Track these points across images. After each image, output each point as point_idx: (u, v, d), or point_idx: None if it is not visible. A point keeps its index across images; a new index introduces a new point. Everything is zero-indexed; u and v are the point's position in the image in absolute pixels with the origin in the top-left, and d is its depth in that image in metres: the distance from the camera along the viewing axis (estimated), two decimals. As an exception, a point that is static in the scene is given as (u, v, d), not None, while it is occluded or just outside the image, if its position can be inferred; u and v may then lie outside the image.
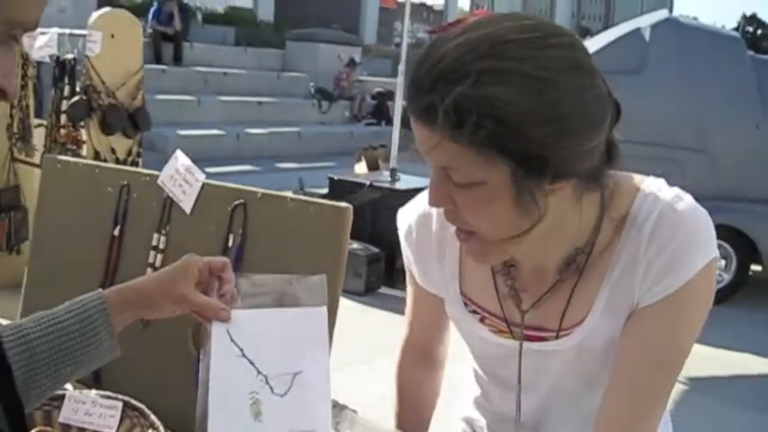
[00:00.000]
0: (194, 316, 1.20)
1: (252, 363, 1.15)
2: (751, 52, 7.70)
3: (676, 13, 9.06)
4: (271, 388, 1.15)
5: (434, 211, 1.40)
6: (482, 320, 1.39)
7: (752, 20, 48.93)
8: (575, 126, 1.07)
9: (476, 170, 1.08)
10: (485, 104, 1.02)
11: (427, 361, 1.64)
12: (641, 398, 1.23)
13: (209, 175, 1.69)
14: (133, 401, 1.51)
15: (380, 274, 6.68)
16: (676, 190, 1.25)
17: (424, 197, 1.39)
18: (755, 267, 7.20)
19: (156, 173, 1.72)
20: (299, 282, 1.21)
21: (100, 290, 1.19)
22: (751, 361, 5.69)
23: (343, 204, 1.47)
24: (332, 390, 1.17)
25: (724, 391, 5.20)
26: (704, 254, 1.20)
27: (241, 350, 1.16)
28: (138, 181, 1.76)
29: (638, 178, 1.28)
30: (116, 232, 1.77)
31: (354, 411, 1.62)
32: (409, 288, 1.57)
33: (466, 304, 1.42)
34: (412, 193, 6.07)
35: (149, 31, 15.08)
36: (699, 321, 1.24)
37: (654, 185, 1.26)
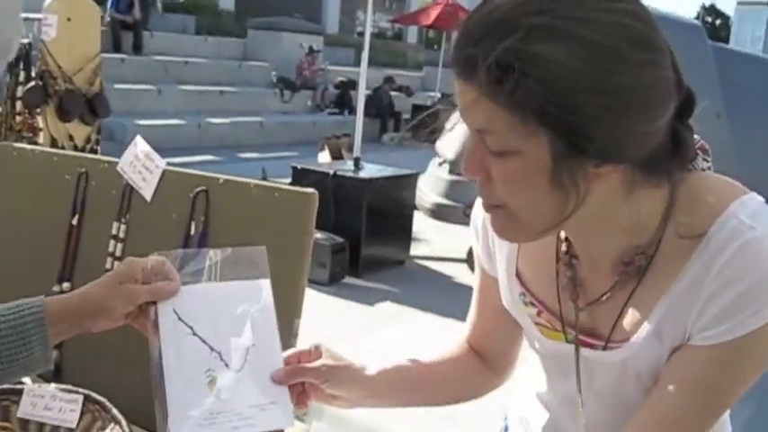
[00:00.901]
0: (135, 322, 1.18)
1: (203, 340, 1.14)
2: (711, 42, 7.77)
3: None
4: (226, 363, 1.13)
5: None
6: (539, 314, 1.27)
7: (710, 10, 49.53)
8: (631, 104, 0.97)
9: (512, 136, 0.98)
10: (530, 62, 0.93)
11: (480, 359, 1.47)
12: None
13: (171, 166, 1.65)
14: (94, 395, 1.48)
15: (345, 264, 6.65)
16: None
17: None
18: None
19: (115, 160, 1.68)
20: (240, 254, 1.20)
21: (42, 297, 1.16)
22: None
23: (309, 190, 1.44)
24: None
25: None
26: None
27: (191, 328, 1.14)
28: (96, 168, 1.72)
29: (731, 191, 1.11)
30: (74, 221, 1.73)
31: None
32: (475, 279, 1.44)
33: (522, 294, 1.29)
34: (375, 182, 6.07)
35: (108, 19, 14.87)
36: (754, 374, 1.10)
37: (747, 208, 1.07)
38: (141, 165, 1.63)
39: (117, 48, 14.86)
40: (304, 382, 1.21)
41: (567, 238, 1.21)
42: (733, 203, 1.08)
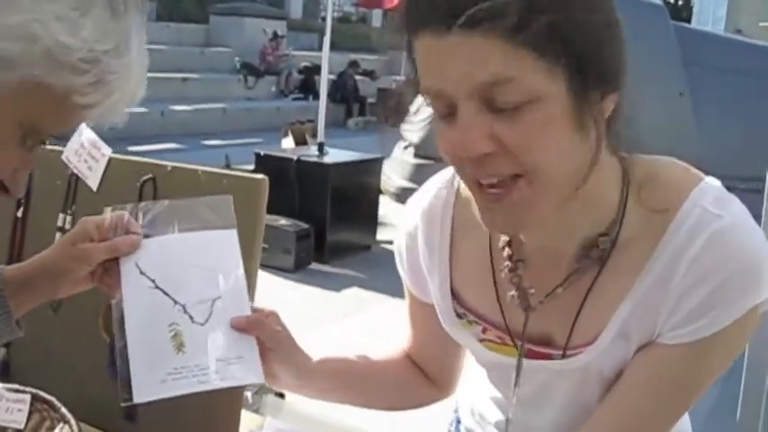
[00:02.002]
0: (100, 286, 1.15)
1: (166, 293, 1.10)
2: (673, 21, 7.81)
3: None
4: (190, 317, 1.09)
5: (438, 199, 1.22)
6: (484, 331, 1.19)
7: (672, -10, 49.93)
8: (617, 31, 0.96)
9: (533, 80, 0.89)
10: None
11: (421, 372, 1.41)
12: None
13: (133, 154, 1.61)
14: (42, 394, 1.44)
15: (310, 250, 6.62)
16: (735, 206, 1.03)
17: (427, 193, 1.24)
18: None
19: (59, 148, 1.62)
20: (204, 204, 1.16)
21: (1, 266, 1.14)
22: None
23: (259, 176, 1.40)
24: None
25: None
26: (751, 298, 1.00)
27: (153, 281, 1.11)
28: (40, 157, 1.64)
29: (688, 174, 1.07)
30: (19, 213, 1.68)
31: (281, 395, 1.55)
32: (406, 303, 1.37)
33: (464, 314, 1.22)
34: (340, 167, 6.03)
35: (66, 6, 14.68)
36: (723, 368, 1.06)
37: (709, 195, 1.03)
38: (87, 153, 1.57)
39: (76, 35, 14.68)
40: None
41: (509, 243, 1.14)
42: (694, 190, 1.04)
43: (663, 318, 1.03)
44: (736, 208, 1.03)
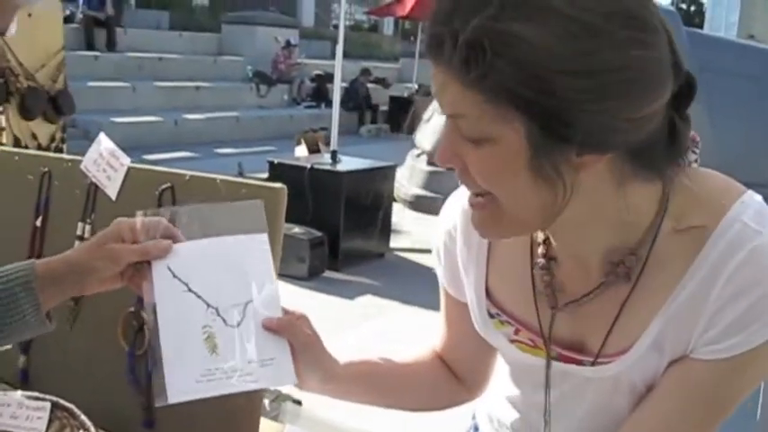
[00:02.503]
0: (131, 282, 1.14)
1: (199, 296, 1.11)
2: (686, 28, 7.79)
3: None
4: (223, 320, 1.10)
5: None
6: (516, 332, 1.19)
7: (685, -4, 49.82)
8: (612, 86, 0.89)
9: (485, 122, 0.91)
10: (502, 41, 0.86)
11: (450, 371, 1.41)
12: None
13: (146, 163, 1.62)
14: (62, 401, 1.44)
15: (324, 258, 6.61)
16: None
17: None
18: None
19: (78, 158, 1.63)
20: (236, 209, 1.17)
21: (32, 260, 1.14)
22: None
23: (278, 185, 1.40)
24: None
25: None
26: None
27: (186, 285, 1.11)
28: (59, 167, 1.67)
29: (730, 190, 1.05)
30: (38, 223, 1.68)
31: (298, 402, 1.55)
32: (441, 301, 1.37)
33: (497, 314, 1.22)
34: (353, 174, 6.03)
35: (80, 16, 14.74)
36: (755, 386, 1.05)
37: (750, 209, 1.01)
38: (105, 163, 1.58)
39: (90, 45, 14.75)
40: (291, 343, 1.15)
41: (545, 240, 1.14)
42: (734, 204, 1.01)
43: (698, 332, 1.02)
44: None
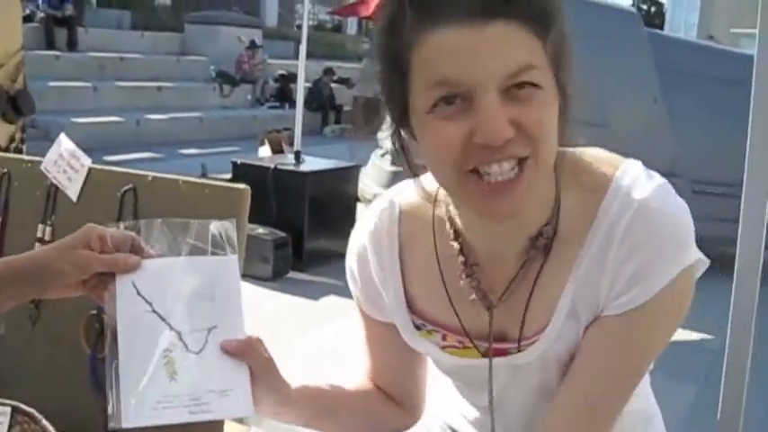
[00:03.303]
0: (91, 295, 1.12)
1: (162, 318, 1.08)
2: (647, 28, 7.87)
3: (573, -10, 9.29)
4: (185, 345, 1.07)
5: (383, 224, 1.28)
6: (444, 338, 1.24)
7: (645, -3, 50.36)
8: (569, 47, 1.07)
9: (543, 70, 1.01)
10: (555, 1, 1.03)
11: (387, 397, 1.42)
12: (590, 412, 1.13)
13: (109, 164, 1.60)
14: (22, 406, 1.41)
15: (288, 259, 6.58)
16: (656, 181, 1.12)
17: (371, 217, 1.30)
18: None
19: (38, 159, 1.61)
20: (207, 228, 1.13)
21: None
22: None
23: (241, 186, 1.40)
24: None
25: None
26: (680, 261, 1.09)
27: (150, 304, 1.08)
28: (19, 168, 1.65)
29: (611, 158, 1.16)
30: (-3, 224, 1.66)
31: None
32: (361, 329, 1.40)
33: (422, 324, 1.26)
34: (317, 175, 5.99)
35: (41, 15, 14.55)
36: (668, 334, 1.15)
37: (632, 172, 1.12)
38: (66, 164, 1.57)
39: (51, 44, 14.55)
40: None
41: (461, 248, 1.19)
42: (617, 172, 1.12)
43: (604, 292, 1.10)
44: (657, 183, 1.11)
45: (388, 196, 1.29)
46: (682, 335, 6.08)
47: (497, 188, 1.02)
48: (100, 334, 1.45)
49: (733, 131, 7.52)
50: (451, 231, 1.20)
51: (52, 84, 12.59)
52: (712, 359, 5.30)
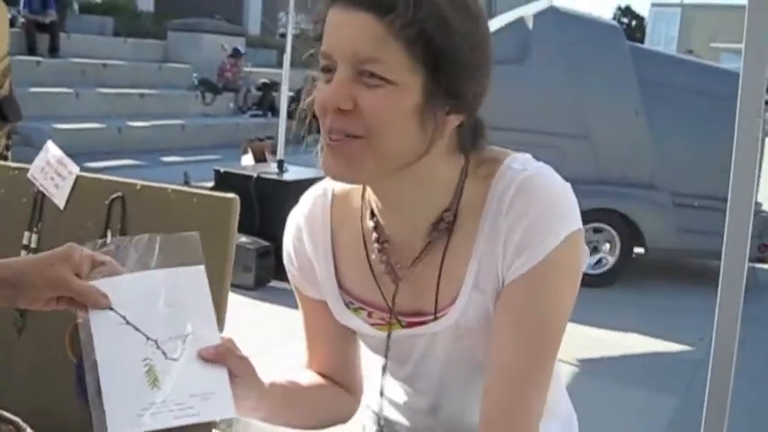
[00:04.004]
0: (68, 308, 1.13)
1: (137, 329, 1.10)
2: (629, 42, 7.93)
3: (556, 3, 9.32)
4: (164, 353, 1.09)
5: (317, 208, 1.37)
6: (370, 315, 1.34)
7: (626, 11, 50.74)
8: (482, 60, 1.14)
9: (397, 68, 1.09)
10: (431, 8, 1.07)
11: (334, 384, 1.48)
12: (517, 378, 1.20)
13: (90, 171, 1.60)
14: (7, 414, 1.41)
15: (270, 268, 6.58)
16: (541, 164, 1.25)
17: (305, 202, 1.39)
18: (638, 250, 7.44)
19: (25, 166, 1.61)
20: (172, 241, 1.16)
21: None
22: (635, 340, 5.86)
23: (230, 195, 1.40)
24: None
25: (611, 370, 5.34)
26: (564, 226, 1.18)
27: (123, 317, 1.10)
28: (5, 175, 1.64)
29: (506, 151, 1.28)
30: (-18, 231, 1.65)
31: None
32: (301, 311, 1.47)
33: (347, 305, 1.36)
34: (300, 184, 6.00)
35: (22, 20, 14.47)
36: (566, 296, 1.22)
37: (521, 159, 1.25)
38: (53, 171, 1.56)
39: (32, 50, 14.46)
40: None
41: (375, 227, 1.29)
42: (507, 159, 1.24)
43: (500, 262, 1.21)
44: (538, 163, 1.24)
45: (323, 184, 1.38)
46: (662, 346, 6.14)
47: (330, 150, 1.16)
48: (86, 343, 1.45)
49: (713, 145, 7.61)
50: (368, 212, 1.31)
51: (33, 89, 12.52)
52: (693, 370, 5.35)
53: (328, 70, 1.14)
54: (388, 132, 1.12)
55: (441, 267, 1.26)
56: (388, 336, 1.32)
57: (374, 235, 1.30)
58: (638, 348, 5.76)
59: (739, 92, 1.61)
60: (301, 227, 1.38)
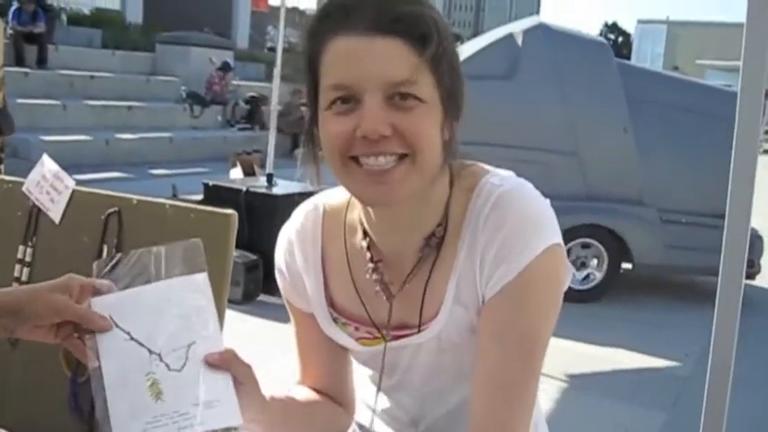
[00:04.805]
0: (66, 341, 1.13)
1: (141, 344, 1.09)
2: (617, 59, 7.97)
3: (544, 20, 9.37)
4: (167, 365, 1.09)
5: (308, 223, 1.40)
6: (356, 329, 1.37)
7: (613, 28, 51.05)
8: (462, 79, 1.21)
9: (425, 87, 1.14)
10: (442, 25, 1.16)
11: (328, 398, 1.50)
12: (502, 392, 1.21)
13: (77, 183, 1.58)
14: (1, 430, 1.40)
15: (259, 282, 6.56)
16: (520, 180, 1.28)
17: (297, 217, 1.42)
18: (626, 266, 7.45)
19: (20, 180, 1.60)
20: (174, 250, 1.16)
21: None
22: (623, 356, 5.87)
23: (228, 211, 1.40)
24: None
25: (599, 386, 5.34)
26: (540, 240, 1.20)
27: (128, 333, 1.10)
28: (0, 189, 1.63)
29: (485, 168, 1.31)
30: (-24, 245, 1.64)
31: (234, 428, 1.53)
32: (292, 326, 1.48)
33: (335, 320, 1.38)
34: (289, 198, 5.97)
35: (10, 32, 14.42)
36: (547, 310, 1.24)
37: (497, 176, 1.28)
38: (49, 185, 1.56)
39: (20, 61, 14.42)
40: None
41: (368, 247, 1.32)
42: (486, 175, 1.28)
43: (478, 277, 1.24)
44: (516, 179, 1.27)
45: (314, 200, 1.43)
46: (649, 362, 6.14)
47: (372, 176, 1.17)
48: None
49: (700, 161, 7.62)
50: (361, 231, 1.33)
51: (21, 101, 12.47)
52: (680, 386, 5.36)
53: (344, 101, 1.15)
54: (428, 149, 1.17)
55: (427, 282, 1.28)
56: (384, 350, 1.33)
57: (368, 254, 1.32)
58: (625, 364, 5.76)
59: (737, 110, 1.62)
60: (293, 241, 1.41)
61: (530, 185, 1.26)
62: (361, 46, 1.13)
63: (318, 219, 1.39)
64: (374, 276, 1.32)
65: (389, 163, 1.16)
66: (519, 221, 1.20)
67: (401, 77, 1.13)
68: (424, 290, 1.29)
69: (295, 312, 1.45)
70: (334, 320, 1.38)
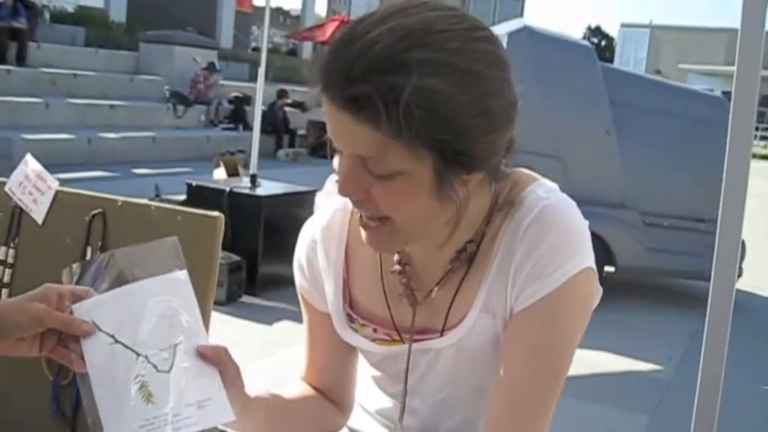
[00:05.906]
0: (52, 353, 1.11)
1: (127, 346, 1.08)
2: (601, 63, 8.01)
3: (528, 22, 9.38)
4: (154, 366, 1.08)
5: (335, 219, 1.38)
6: (375, 331, 1.34)
7: (596, 31, 51.30)
8: (498, 121, 1.10)
9: (399, 161, 1.07)
10: (421, 97, 1.02)
11: (324, 397, 1.49)
12: (522, 406, 1.20)
13: (59, 182, 1.56)
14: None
15: (242, 283, 6.54)
16: (565, 196, 1.24)
17: (324, 214, 1.40)
18: (609, 269, 7.48)
19: (2, 179, 1.58)
20: (152, 249, 1.14)
21: None
22: (607, 359, 5.88)
23: (214, 213, 1.39)
24: None
25: (583, 389, 5.35)
26: (577, 261, 1.18)
27: (112, 336, 1.08)
28: (-18, 189, 1.61)
29: (530, 177, 1.28)
30: (-42, 245, 1.62)
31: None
32: (305, 320, 1.46)
33: (352, 320, 1.36)
34: (273, 199, 5.98)
35: (-9, 28, 14.32)
36: (576, 329, 1.23)
37: (543, 187, 1.24)
38: (32, 185, 1.54)
39: (1, 58, 14.32)
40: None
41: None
42: (531, 184, 1.24)
43: (510, 288, 1.21)
44: (561, 194, 1.24)
45: (344, 199, 1.35)
46: (631, 365, 6.16)
47: (364, 227, 1.18)
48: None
49: (682, 165, 7.65)
50: None
51: (2, 98, 12.40)
52: (662, 389, 5.38)
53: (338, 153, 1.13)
54: (409, 216, 1.14)
55: (456, 293, 1.26)
56: (409, 349, 1.31)
57: (396, 257, 1.31)
58: (608, 367, 5.78)
59: (731, 116, 1.62)
60: (317, 238, 1.40)
61: (574, 203, 1.23)
62: (331, 114, 1.08)
63: (346, 219, 1.37)
64: (401, 280, 1.30)
65: (373, 222, 1.16)
66: (560, 238, 1.18)
67: (366, 153, 1.08)
68: (453, 298, 1.27)
69: (309, 309, 1.44)
70: (351, 321, 1.37)
